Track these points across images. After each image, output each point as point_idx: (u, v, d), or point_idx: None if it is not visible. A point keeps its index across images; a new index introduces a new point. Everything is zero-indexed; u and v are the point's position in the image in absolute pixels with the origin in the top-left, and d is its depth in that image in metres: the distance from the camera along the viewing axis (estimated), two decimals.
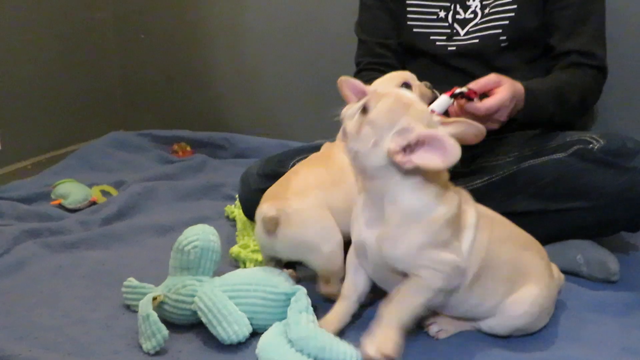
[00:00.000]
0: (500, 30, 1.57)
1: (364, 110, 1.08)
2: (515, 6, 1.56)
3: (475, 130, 1.15)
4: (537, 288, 1.17)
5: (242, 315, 1.17)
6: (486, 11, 1.59)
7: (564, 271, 1.46)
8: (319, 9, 2.33)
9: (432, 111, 1.23)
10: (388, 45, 1.70)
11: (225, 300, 1.17)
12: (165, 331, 1.14)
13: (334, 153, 1.35)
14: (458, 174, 1.60)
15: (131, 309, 1.31)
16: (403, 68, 1.70)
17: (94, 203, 1.95)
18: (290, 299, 1.18)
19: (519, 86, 1.38)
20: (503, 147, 1.56)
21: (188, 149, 2.44)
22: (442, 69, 1.63)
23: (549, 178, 1.43)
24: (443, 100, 1.31)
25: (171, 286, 1.23)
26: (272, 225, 1.24)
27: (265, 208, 1.26)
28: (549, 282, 1.21)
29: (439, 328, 1.22)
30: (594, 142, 1.41)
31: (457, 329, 1.23)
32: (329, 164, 1.34)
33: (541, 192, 1.44)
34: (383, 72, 1.65)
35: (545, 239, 1.48)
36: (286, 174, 1.37)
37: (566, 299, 1.36)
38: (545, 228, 1.46)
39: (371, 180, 1.10)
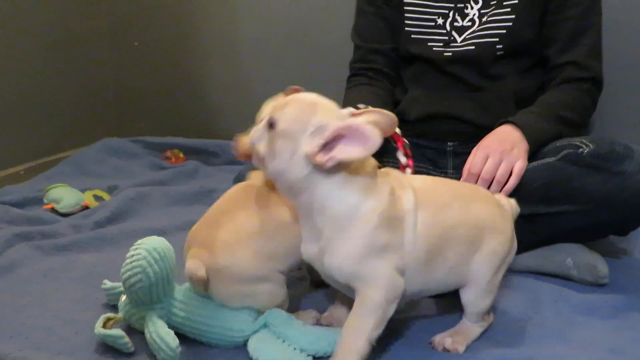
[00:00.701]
0: (497, 39, 1.58)
1: (271, 126, 1.04)
2: (513, 16, 1.57)
3: (388, 119, 1.10)
4: (495, 240, 1.18)
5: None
6: (484, 19, 1.60)
7: (554, 275, 1.48)
8: (313, 16, 2.35)
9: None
10: (381, 51, 1.71)
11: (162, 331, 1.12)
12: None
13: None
14: (450, 179, 1.62)
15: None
16: (396, 74, 1.71)
17: (86, 207, 1.96)
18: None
19: (499, 131, 1.44)
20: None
21: (181, 155, 2.45)
22: (438, 75, 1.64)
23: (539, 182, 1.44)
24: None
25: (130, 314, 1.20)
26: (201, 286, 1.14)
27: (192, 265, 1.12)
28: (503, 227, 1.21)
29: (452, 339, 1.20)
30: (584, 146, 1.42)
31: (467, 336, 1.21)
32: (267, 206, 1.18)
33: (531, 196, 1.44)
34: (371, 78, 1.69)
35: (535, 243, 1.50)
36: (215, 212, 1.22)
37: (556, 301, 1.37)
38: (536, 232, 1.47)
39: (299, 196, 1.06)
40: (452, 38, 1.62)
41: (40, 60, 2.37)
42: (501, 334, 1.24)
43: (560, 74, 1.58)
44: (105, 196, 2.05)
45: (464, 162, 1.64)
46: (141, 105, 2.71)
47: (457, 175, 1.64)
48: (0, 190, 2.08)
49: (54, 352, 1.15)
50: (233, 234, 1.15)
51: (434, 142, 1.66)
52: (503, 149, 1.39)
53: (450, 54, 1.62)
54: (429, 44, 1.64)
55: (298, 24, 2.38)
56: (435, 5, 1.64)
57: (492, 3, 1.60)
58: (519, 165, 1.39)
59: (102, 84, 2.67)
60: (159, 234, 1.68)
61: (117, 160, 2.37)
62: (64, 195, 1.95)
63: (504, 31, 1.58)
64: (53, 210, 1.93)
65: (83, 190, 2.04)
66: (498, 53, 1.59)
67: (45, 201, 1.98)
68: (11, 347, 1.15)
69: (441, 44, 1.63)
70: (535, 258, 1.50)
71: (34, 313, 1.30)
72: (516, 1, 1.58)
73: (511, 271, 1.51)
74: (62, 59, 2.46)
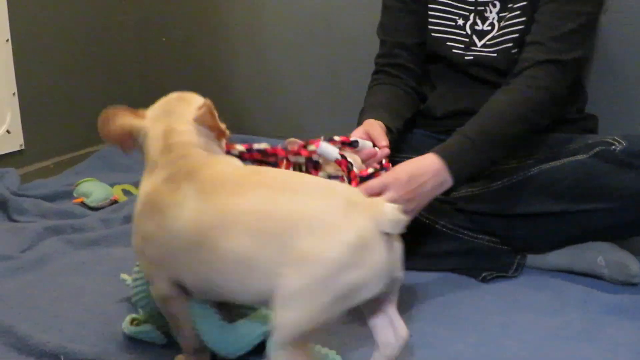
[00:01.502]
0: (511, 44, 1.56)
1: None
2: (524, 18, 1.54)
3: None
4: (314, 241, 0.90)
5: None
6: (502, 24, 1.58)
7: (584, 273, 1.47)
8: (339, 13, 2.34)
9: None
10: (405, 45, 1.67)
11: None
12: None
13: None
14: (476, 176, 1.61)
15: None
16: (421, 70, 1.69)
17: (115, 202, 1.98)
18: None
19: (421, 161, 1.29)
20: (522, 150, 1.56)
21: None
22: (461, 75, 1.62)
23: (569, 180, 1.42)
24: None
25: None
26: None
27: None
28: (339, 230, 0.91)
29: None
30: (616, 143, 1.40)
31: None
32: None
33: (562, 194, 1.43)
34: (394, 76, 1.65)
35: (566, 241, 1.49)
36: None
37: (585, 301, 1.36)
38: (566, 230, 1.46)
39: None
40: (472, 41, 1.60)
41: (69, 55, 2.39)
42: (528, 334, 1.24)
43: (525, 55, 1.46)
44: (134, 190, 2.07)
45: None
46: None
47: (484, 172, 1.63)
48: (31, 184, 2.11)
49: (89, 344, 1.17)
50: None
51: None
52: (408, 198, 1.24)
53: (471, 57, 1.60)
54: (448, 43, 1.62)
55: (324, 19, 2.38)
56: (457, 6, 1.61)
57: (508, 6, 1.57)
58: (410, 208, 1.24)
59: (130, 80, 2.69)
60: None
61: None
62: (94, 190, 1.97)
63: (517, 35, 1.55)
64: (83, 204, 1.95)
65: (112, 185, 2.06)
66: (515, 57, 1.57)
67: (74, 195, 2.00)
68: (48, 337, 1.17)
69: (462, 47, 1.61)
70: (565, 256, 1.49)
71: (66, 306, 1.32)
72: (525, 2, 1.54)
73: (540, 269, 1.51)
74: (90, 54, 2.49)
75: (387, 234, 0.94)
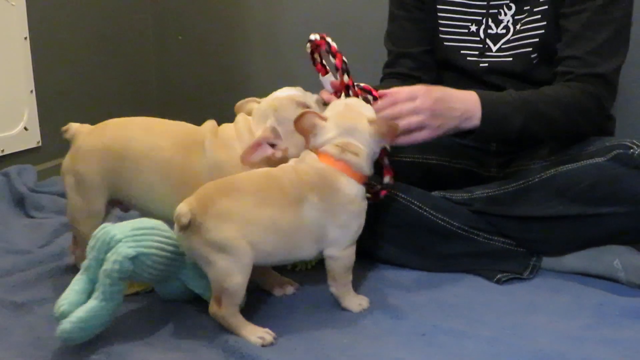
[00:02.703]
0: (530, 49, 1.55)
1: None
2: (544, 22, 1.53)
3: None
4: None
5: None
6: (518, 27, 1.56)
7: (600, 277, 1.45)
8: (355, 12, 2.35)
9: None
10: (410, 55, 1.68)
11: None
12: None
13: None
14: (493, 178, 1.61)
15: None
16: (429, 77, 1.67)
17: None
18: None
19: (451, 90, 1.34)
20: (540, 151, 1.55)
21: None
22: (476, 84, 1.59)
23: (587, 182, 1.41)
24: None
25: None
26: (182, 223, 1.17)
27: (182, 209, 1.17)
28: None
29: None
30: (635, 147, 1.39)
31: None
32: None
33: (579, 197, 1.42)
34: (402, 81, 1.64)
35: (582, 244, 1.48)
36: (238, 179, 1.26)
37: (601, 304, 1.35)
38: (583, 233, 1.45)
39: None
40: (486, 47, 1.59)
41: (86, 53, 2.41)
42: (542, 336, 1.23)
43: (564, 69, 1.48)
44: None
45: (507, 161, 1.63)
46: (184, 99, 2.74)
47: (500, 174, 1.63)
48: (48, 180, 2.13)
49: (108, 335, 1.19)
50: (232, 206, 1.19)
51: (479, 143, 1.63)
52: (436, 113, 1.30)
53: (486, 64, 1.59)
54: (462, 52, 1.61)
55: (341, 19, 2.38)
56: (468, 12, 1.60)
57: (525, 9, 1.56)
58: (424, 135, 1.31)
59: (146, 78, 2.70)
60: None
61: None
62: None
63: (537, 39, 1.54)
64: None
65: None
66: (534, 62, 1.56)
67: None
68: None
69: (476, 53, 1.60)
70: (582, 259, 1.48)
71: None
72: (546, 7, 1.54)
73: (555, 272, 1.50)
74: (107, 52, 2.51)
75: None
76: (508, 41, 1.57)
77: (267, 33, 2.53)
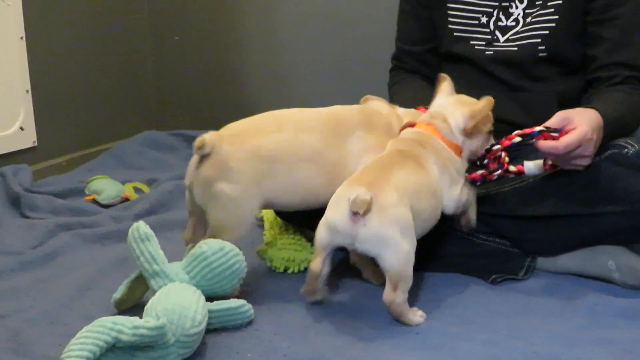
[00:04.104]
0: (539, 40, 1.56)
1: None
2: (557, 16, 1.54)
3: None
4: None
5: None
6: (528, 20, 1.57)
7: (595, 277, 1.45)
8: (352, 10, 2.34)
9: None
10: (412, 53, 1.74)
11: None
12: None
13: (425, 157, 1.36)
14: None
15: None
16: (432, 73, 1.68)
17: (126, 199, 1.99)
18: None
19: (594, 116, 1.34)
20: (535, 153, 1.55)
21: None
22: (480, 75, 1.62)
23: (581, 182, 1.41)
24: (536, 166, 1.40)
25: None
26: (363, 207, 1.18)
27: (361, 191, 1.20)
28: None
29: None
30: (629, 146, 1.39)
31: None
32: (425, 172, 1.33)
33: (573, 196, 1.42)
34: (409, 72, 1.75)
35: (576, 244, 1.48)
36: (377, 165, 1.31)
37: (595, 305, 1.35)
38: (577, 233, 1.45)
39: None
40: (495, 37, 1.60)
41: (82, 53, 2.41)
42: (536, 337, 1.23)
43: (609, 74, 1.53)
44: (145, 188, 2.08)
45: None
46: (181, 99, 2.73)
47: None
48: (43, 181, 2.13)
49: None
50: (402, 181, 1.26)
51: None
52: (594, 146, 1.34)
53: (492, 52, 1.60)
54: (472, 42, 1.63)
55: (338, 17, 2.38)
56: (480, 4, 1.62)
57: (537, 3, 1.57)
58: (585, 163, 1.36)
59: (142, 78, 2.70)
60: None
61: (157, 153, 2.41)
62: (105, 187, 1.98)
63: (547, 32, 1.55)
64: (94, 201, 1.96)
65: (123, 182, 2.07)
66: (540, 55, 1.56)
67: (86, 192, 2.01)
68: (50, 333, 1.19)
69: (484, 43, 1.61)
70: (576, 260, 1.47)
71: (75, 301, 1.34)
72: (560, 1, 1.55)
73: (550, 273, 1.50)
74: (104, 53, 2.50)
75: None
76: (516, 32, 1.58)
77: (263, 33, 2.53)
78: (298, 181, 1.36)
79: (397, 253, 1.21)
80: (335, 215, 1.24)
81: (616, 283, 1.43)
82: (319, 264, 1.27)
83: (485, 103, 1.36)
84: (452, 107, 1.39)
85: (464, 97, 1.43)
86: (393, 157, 1.33)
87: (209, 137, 1.32)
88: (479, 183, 1.42)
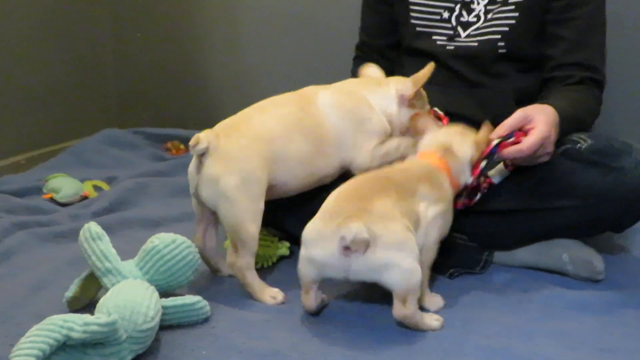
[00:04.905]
0: (499, 36, 1.57)
1: None
2: (517, 14, 1.56)
3: None
4: None
5: None
6: (489, 16, 1.59)
7: (549, 270, 1.48)
8: (315, 7, 2.35)
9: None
10: (371, 45, 1.78)
11: None
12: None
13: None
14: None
15: None
16: (390, 66, 1.72)
17: (85, 198, 1.96)
18: None
19: (552, 113, 1.37)
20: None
21: (181, 147, 2.44)
22: (441, 71, 1.61)
23: (536, 177, 1.43)
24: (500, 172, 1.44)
25: None
26: (362, 247, 1.14)
27: (357, 229, 1.13)
28: None
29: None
30: (582, 141, 1.42)
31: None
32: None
33: (530, 191, 1.45)
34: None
35: (532, 238, 1.50)
36: (358, 187, 1.26)
37: (549, 296, 1.37)
38: (532, 227, 1.47)
39: None
40: (456, 32, 1.62)
41: (42, 49, 2.37)
42: (490, 329, 1.24)
43: (565, 73, 1.56)
44: (105, 186, 2.05)
45: None
46: (142, 97, 2.71)
47: None
48: (1, 179, 2.08)
49: None
50: (387, 208, 1.19)
51: None
52: (553, 142, 1.37)
53: (452, 47, 1.62)
54: (434, 37, 1.64)
55: (301, 14, 2.38)
56: None
57: (498, 0, 1.59)
58: (546, 159, 1.39)
59: (103, 75, 2.67)
60: (154, 225, 1.74)
61: (118, 151, 2.37)
62: (63, 185, 1.95)
63: (507, 29, 1.57)
64: (52, 200, 1.93)
65: (83, 181, 2.04)
66: (500, 51, 1.58)
67: (44, 191, 1.98)
68: (0, 332, 1.17)
69: (445, 38, 1.63)
70: (531, 253, 1.50)
71: (28, 299, 1.32)
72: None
73: (506, 266, 1.52)
74: (64, 49, 2.47)
75: None
76: (477, 28, 1.60)
77: (226, 30, 2.52)
78: (295, 154, 1.37)
79: (401, 273, 1.16)
80: (322, 254, 1.18)
81: (570, 276, 1.45)
82: (311, 300, 1.25)
83: (486, 132, 1.37)
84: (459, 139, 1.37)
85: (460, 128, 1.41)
86: (372, 184, 1.26)
87: (203, 134, 1.31)
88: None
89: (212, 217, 1.39)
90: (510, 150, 1.34)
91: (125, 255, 1.47)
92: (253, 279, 1.34)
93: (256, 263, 1.49)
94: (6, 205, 1.83)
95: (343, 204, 1.21)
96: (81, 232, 1.23)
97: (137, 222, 1.74)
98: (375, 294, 1.30)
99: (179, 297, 1.22)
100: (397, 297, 1.18)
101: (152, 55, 2.65)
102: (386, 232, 1.16)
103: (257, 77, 2.48)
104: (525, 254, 1.51)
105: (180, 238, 1.26)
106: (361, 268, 1.16)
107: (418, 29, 1.66)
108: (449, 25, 1.63)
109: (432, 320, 1.24)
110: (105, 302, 1.11)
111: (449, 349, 1.17)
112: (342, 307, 1.31)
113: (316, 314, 1.28)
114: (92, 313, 1.10)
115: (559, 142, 1.42)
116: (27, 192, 1.99)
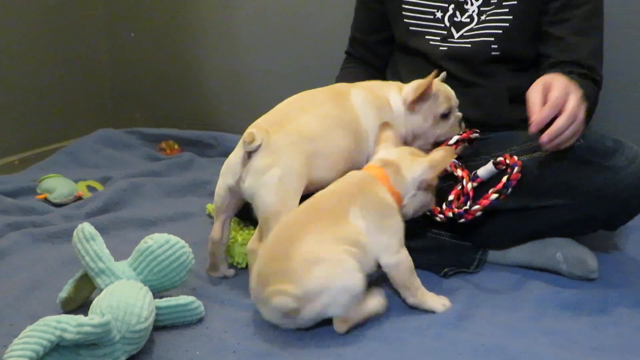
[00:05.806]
0: (492, 39, 1.57)
1: None
2: (510, 17, 1.56)
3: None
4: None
5: None
6: (482, 18, 1.59)
7: (543, 269, 1.48)
8: (309, 7, 2.35)
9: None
10: (362, 42, 1.80)
11: None
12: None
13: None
14: (437, 177, 1.62)
15: None
16: (382, 64, 1.77)
17: (79, 198, 1.96)
18: None
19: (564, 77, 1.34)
20: (485, 148, 1.57)
21: (176, 147, 2.44)
22: (432, 69, 1.62)
23: (529, 176, 1.43)
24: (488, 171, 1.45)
25: None
26: (296, 312, 1.18)
27: (279, 304, 1.17)
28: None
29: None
30: (577, 140, 1.42)
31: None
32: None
33: (524, 190, 1.44)
34: (359, 64, 1.80)
35: (526, 237, 1.50)
36: (290, 226, 1.25)
37: (543, 295, 1.38)
38: (526, 225, 1.47)
39: None
40: (449, 33, 1.62)
41: (37, 51, 2.37)
42: (483, 328, 1.25)
43: (563, 70, 1.52)
44: (99, 187, 2.05)
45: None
46: (137, 97, 2.71)
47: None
48: None
49: None
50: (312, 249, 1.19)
51: None
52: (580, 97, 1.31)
53: (445, 48, 1.62)
54: (427, 37, 1.64)
55: (295, 15, 2.38)
56: None
57: (492, 2, 1.59)
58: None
59: (98, 75, 2.67)
60: (148, 225, 1.73)
61: (112, 151, 2.37)
62: (57, 186, 1.95)
63: (500, 31, 1.57)
64: (46, 200, 1.93)
65: (77, 181, 2.04)
66: (493, 54, 1.58)
67: (38, 191, 1.98)
68: None
69: (438, 38, 1.63)
70: (524, 252, 1.50)
71: (21, 300, 1.31)
72: (515, 2, 1.57)
73: (500, 265, 1.52)
74: (58, 50, 2.47)
75: None
76: (471, 29, 1.60)
77: (220, 30, 2.51)
78: (337, 150, 1.39)
79: (339, 307, 1.19)
80: (269, 316, 1.22)
81: (564, 274, 1.46)
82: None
83: (446, 153, 1.34)
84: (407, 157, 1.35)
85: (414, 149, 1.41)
86: (301, 219, 1.26)
87: (256, 130, 1.33)
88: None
89: (233, 211, 1.43)
90: (554, 125, 1.28)
91: (119, 255, 1.47)
92: None
93: (242, 261, 1.50)
94: (0, 206, 1.83)
95: (269, 263, 1.21)
96: (75, 233, 1.23)
97: (131, 223, 1.74)
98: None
99: (172, 298, 1.22)
100: (338, 321, 1.21)
101: (146, 55, 2.65)
102: (311, 283, 1.16)
103: (251, 77, 2.48)
104: (519, 253, 1.51)
105: (174, 238, 1.26)
106: (306, 320, 1.20)
107: (411, 28, 1.66)
108: (442, 25, 1.63)
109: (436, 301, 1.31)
110: (99, 303, 1.11)
111: (443, 347, 1.17)
112: None
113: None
114: (85, 314, 1.10)
115: None
116: (21, 193, 1.98)
